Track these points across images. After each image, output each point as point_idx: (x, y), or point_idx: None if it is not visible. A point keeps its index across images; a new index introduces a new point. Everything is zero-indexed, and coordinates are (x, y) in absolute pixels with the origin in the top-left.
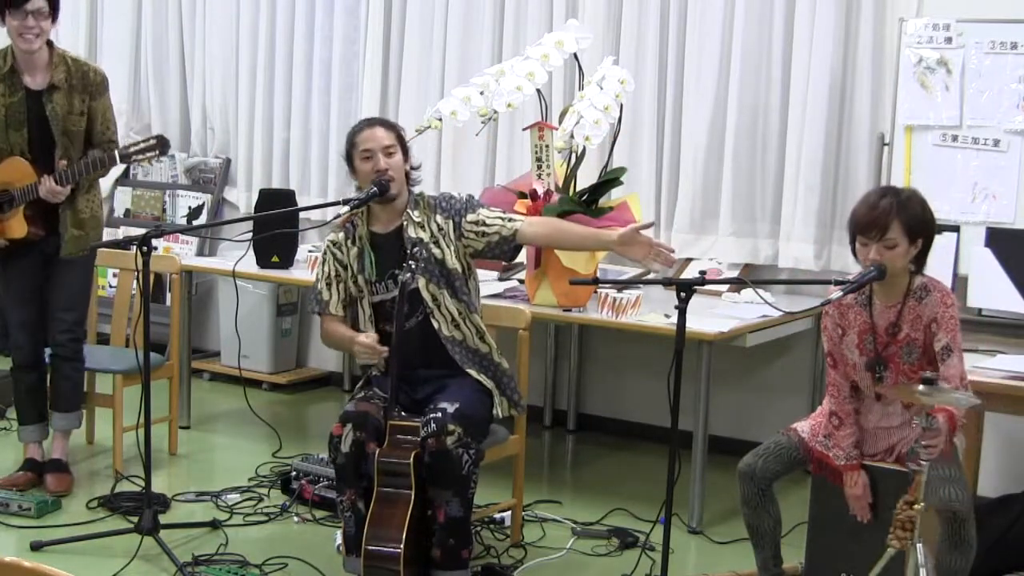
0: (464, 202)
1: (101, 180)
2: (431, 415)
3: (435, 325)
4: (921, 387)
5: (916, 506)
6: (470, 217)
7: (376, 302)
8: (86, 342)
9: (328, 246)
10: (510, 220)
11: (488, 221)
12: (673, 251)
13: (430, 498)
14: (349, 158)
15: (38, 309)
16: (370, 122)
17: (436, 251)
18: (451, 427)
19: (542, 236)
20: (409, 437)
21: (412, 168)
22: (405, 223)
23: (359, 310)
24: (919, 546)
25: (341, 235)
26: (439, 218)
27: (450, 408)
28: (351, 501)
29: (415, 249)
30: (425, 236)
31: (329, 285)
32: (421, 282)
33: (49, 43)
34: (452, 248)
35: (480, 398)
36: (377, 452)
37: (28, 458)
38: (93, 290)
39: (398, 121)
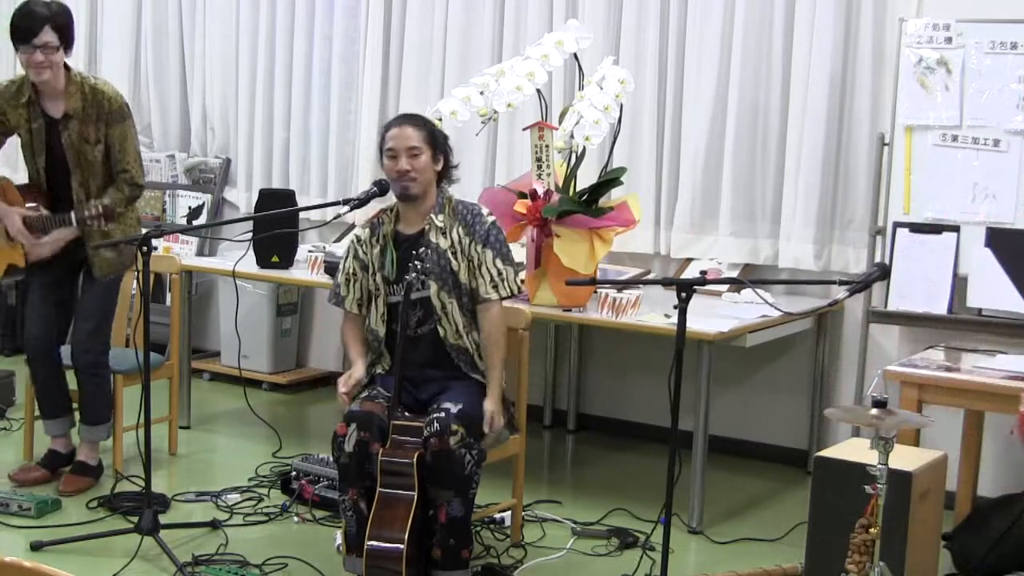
0: (485, 232)
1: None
2: (434, 415)
3: (441, 332)
4: (873, 411)
5: (872, 530)
6: (478, 249)
7: (392, 303)
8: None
9: (352, 241)
10: (496, 287)
11: (483, 271)
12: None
13: (431, 498)
14: (380, 152)
15: (57, 305)
16: (402, 119)
17: (453, 262)
18: (454, 427)
19: (483, 331)
20: (412, 438)
21: (450, 167)
22: (427, 227)
23: (373, 307)
24: (877, 570)
25: (367, 231)
26: (460, 230)
27: (453, 408)
28: (353, 501)
29: (421, 251)
30: (445, 244)
31: (348, 282)
32: (432, 288)
33: (67, 67)
34: (465, 263)
35: (480, 400)
36: (380, 452)
37: (50, 449)
38: (122, 305)
39: None
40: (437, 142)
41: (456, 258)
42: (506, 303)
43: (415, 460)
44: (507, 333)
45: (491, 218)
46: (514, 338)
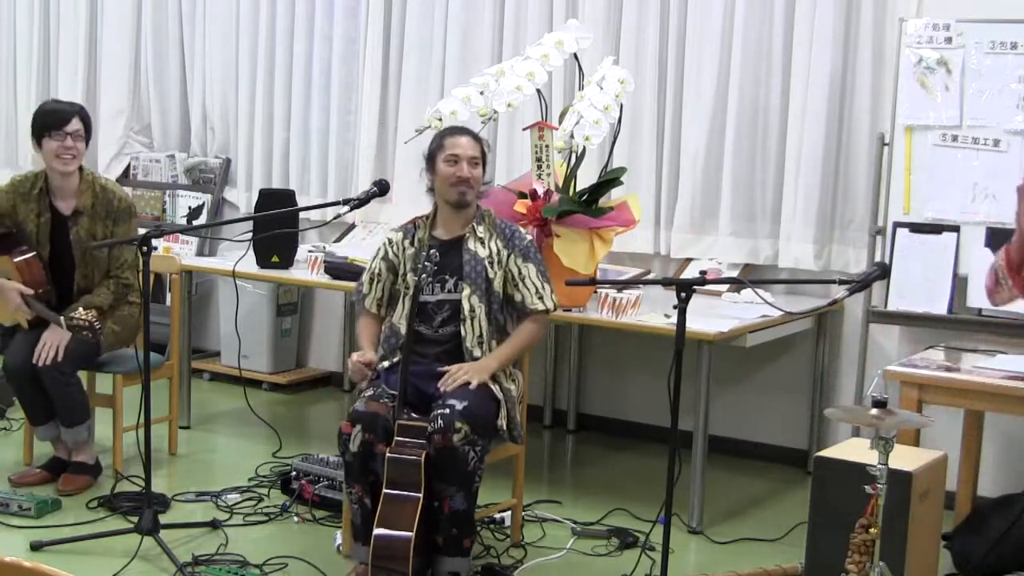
0: (525, 247)
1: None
2: (439, 411)
3: (463, 333)
4: (873, 411)
5: (872, 530)
6: (519, 263)
7: (422, 301)
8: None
9: (384, 243)
10: (541, 299)
11: (527, 283)
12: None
13: (435, 490)
14: (432, 158)
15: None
16: (460, 130)
17: (490, 271)
18: (458, 424)
19: (518, 329)
20: (417, 439)
21: (484, 182)
22: (467, 235)
23: (400, 306)
24: (878, 570)
25: (400, 235)
26: (499, 241)
27: (458, 405)
28: (359, 495)
29: (431, 252)
30: (483, 253)
31: (372, 281)
32: (465, 291)
33: (80, 168)
34: (501, 274)
35: (488, 402)
36: (387, 451)
37: (54, 456)
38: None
39: (398, 121)
40: (486, 156)
41: (492, 267)
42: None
43: (422, 460)
44: (532, 345)
45: (528, 235)
46: None
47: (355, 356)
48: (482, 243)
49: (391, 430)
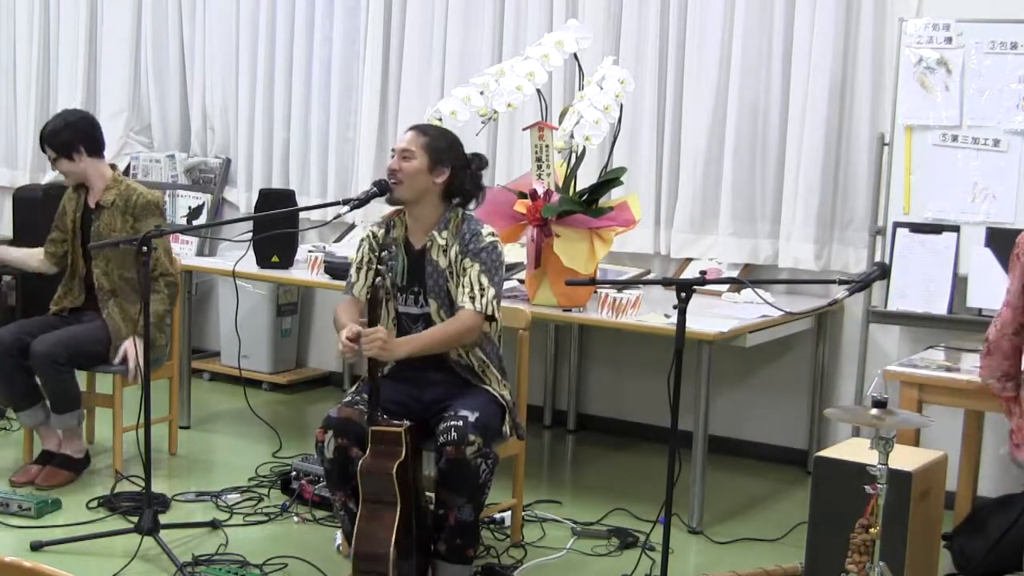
0: (478, 248)
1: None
2: (452, 422)
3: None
4: (873, 411)
5: (872, 530)
6: (466, 263)
7: (402, 312)
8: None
9: (368, 236)
10: (472, 299)
11: (465, 281)
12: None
13: (441, 500)
14: None
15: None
16: (413, 126)
17: (450, 282)
18: (472, 437)
19: (453, 325)
20: (391, 446)
21: (471, 187)
22: (429, 244)
23: (386, 311)
24: (878, 570)
25: (382, 231)
26: (458, 247)
27: (471, 417)
28: (343, 502)
29: (384, 253)
30: (444, 263)
31: (359, 269)
32: (433, 306)
33: (113, 166)
34: (456, 280)
35: (496, 409)
36: (360, 462)
37: (43, 450)
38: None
39: (398, 121)
40: (439, 154)
41: (452, 278)
42: (506, 303)
43: (395, 471)
44: (458, 340)
45: (491, 239)
46: (514, 338)
47: (342, 337)
48: (444, 252)
49: (365, 435)
